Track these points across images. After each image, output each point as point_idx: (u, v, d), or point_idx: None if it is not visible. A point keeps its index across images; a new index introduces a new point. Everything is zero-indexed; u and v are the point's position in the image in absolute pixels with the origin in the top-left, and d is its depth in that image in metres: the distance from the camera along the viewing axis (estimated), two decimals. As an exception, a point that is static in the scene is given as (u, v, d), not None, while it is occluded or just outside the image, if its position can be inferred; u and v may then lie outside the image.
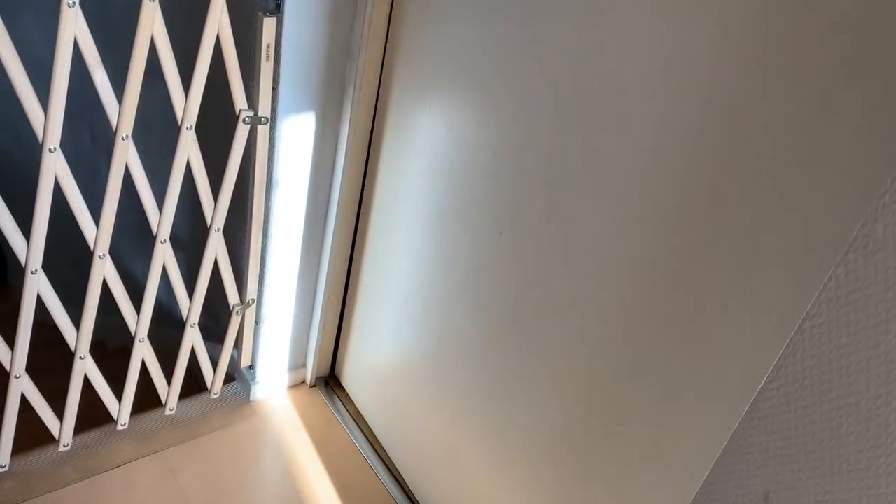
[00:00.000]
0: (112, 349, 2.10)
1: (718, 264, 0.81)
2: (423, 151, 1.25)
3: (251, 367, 1.67)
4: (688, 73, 0.80)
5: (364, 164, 1.42)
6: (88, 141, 1.89)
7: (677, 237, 0.85)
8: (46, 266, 1.19)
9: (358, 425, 1.66)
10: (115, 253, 1.26)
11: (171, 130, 1.20)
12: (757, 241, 0.77)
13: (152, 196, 1.23)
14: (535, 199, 1.04)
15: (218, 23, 1.12)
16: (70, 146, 1.15)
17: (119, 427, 1.51)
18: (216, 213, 1.31)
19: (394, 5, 1.24)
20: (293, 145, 1.34)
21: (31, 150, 1.10)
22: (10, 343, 1.22)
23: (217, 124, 1.29)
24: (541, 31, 0.97)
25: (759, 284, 0.78)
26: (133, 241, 1.83)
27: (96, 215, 1.19)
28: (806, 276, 0.73)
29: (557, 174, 0.99)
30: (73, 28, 0.99)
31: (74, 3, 0.97)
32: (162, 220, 1.26)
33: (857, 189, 0.68)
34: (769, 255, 0.76)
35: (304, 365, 1.74)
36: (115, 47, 1.27)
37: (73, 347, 1.31)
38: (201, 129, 1.20)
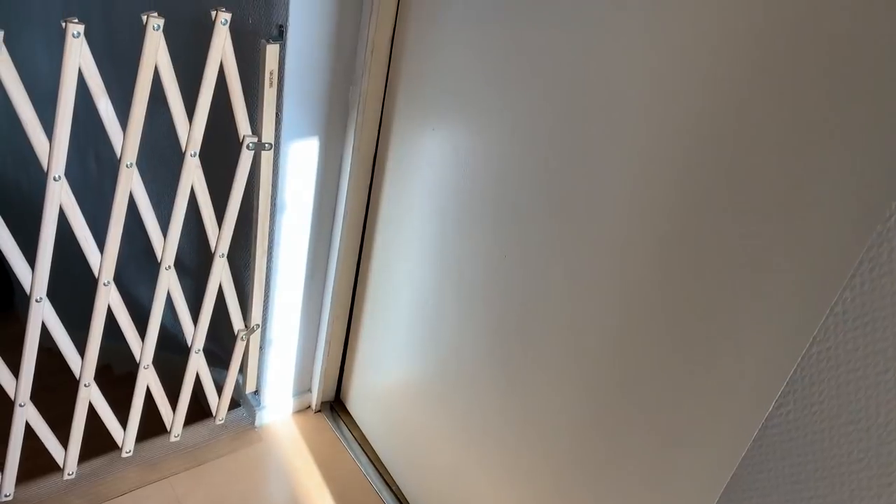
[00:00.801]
0: (117, 374, 2.10)
1: (724, 287, 0.81)
2: (427, 174, 1.25)
3: (256, 392, 1.66)
4: (688, 93, 0.80)
5: (368, 188, 1.43)
6: (94, 167, 1.90)
7: (681, 256, 0.85)
8: (51, 291, 1.19)
9: (363, 450, 1.64)
10: (119, 277, 1.26)
11: (176, 156, 1.21)
12: (762, 264, 0.76)
13: (157, 223, 1.23)
14: (539, 221, 1.03)
15: (221, 51, 1.12)
16: (76, 172, 1.16)
17: (124, 454, 1.50)
18: (220, 239, 1.31)
19: (396, 31, 1.25)
20: (297, 170, 1.35)
21: (39, 179, 1.10)
22: (15, 371, 1.22)
23: (220, 149, 1.29)
24: (542, 54, 0.97)
25: (765, 308, 0.77)
26: (138, 265, 1.84)
27: (101, 242, 1.19)
28: (813, 300, 0.73)
29: (560, 196, 0.99)
30: (78, 58, 1.00)
31: (79, 33, 0.98)
32: (166, 247, 1.26)
33: (863, 212, 0.67)
34: (775, 278, 0.75)
35: (310, 390, 1.73)
36: (120, 73, 1.28)
37: (77, 375, 1.31)
38: (205, 154, 1.21)
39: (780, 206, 0.74)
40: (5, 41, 0.95)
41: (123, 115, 1.11)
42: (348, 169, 1.37)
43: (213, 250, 1.33)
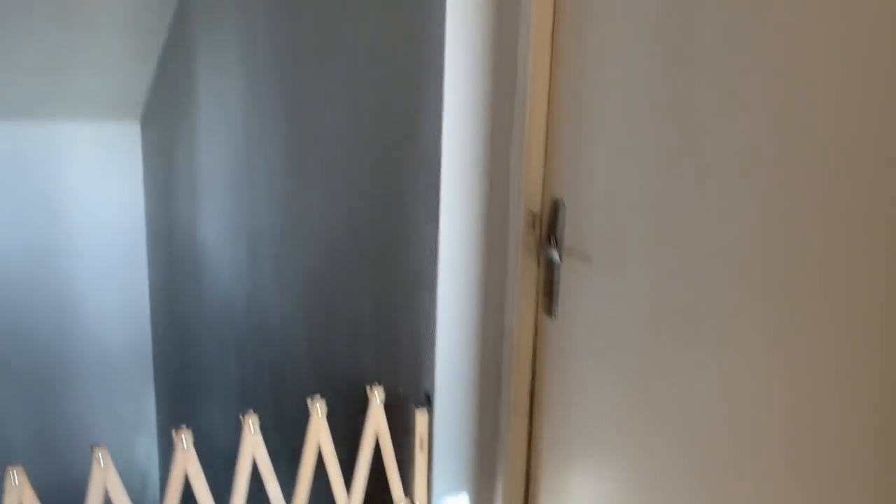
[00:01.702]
0: None
1: None
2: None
3: None
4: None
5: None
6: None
7: None
8: None
9: None
10: None
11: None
12: None
13: None
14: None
15: (377, 424, 1.22)
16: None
17: None
18: None
19: (535, 391, 1.30)
20: (448, 529, 1.35)
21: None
22: None
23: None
24: (680, 384, 0.99)
25: None
26: None
27: None
28: None
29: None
30: (253, 451, 1.11)
31: (256, 430, 1.10)
32: None
33: None
34: None
35: None
36: (285, 442, 1.38)
37: None
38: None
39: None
40: (182, 421, 1.08)
41: (287, 489, 1.18)
42: (500, 526, 1.36)
43: None
